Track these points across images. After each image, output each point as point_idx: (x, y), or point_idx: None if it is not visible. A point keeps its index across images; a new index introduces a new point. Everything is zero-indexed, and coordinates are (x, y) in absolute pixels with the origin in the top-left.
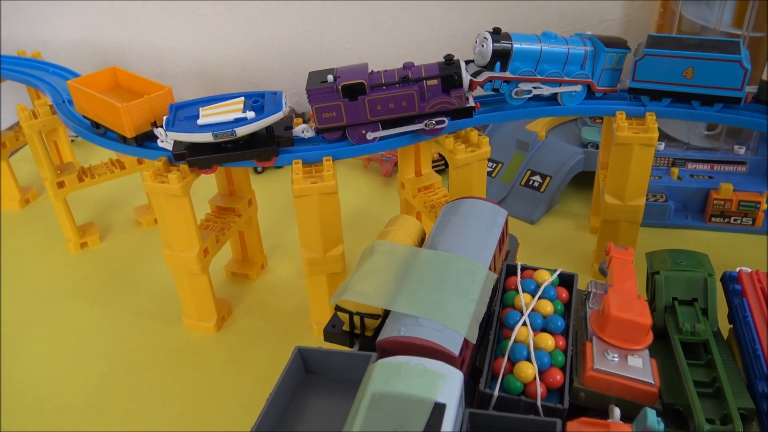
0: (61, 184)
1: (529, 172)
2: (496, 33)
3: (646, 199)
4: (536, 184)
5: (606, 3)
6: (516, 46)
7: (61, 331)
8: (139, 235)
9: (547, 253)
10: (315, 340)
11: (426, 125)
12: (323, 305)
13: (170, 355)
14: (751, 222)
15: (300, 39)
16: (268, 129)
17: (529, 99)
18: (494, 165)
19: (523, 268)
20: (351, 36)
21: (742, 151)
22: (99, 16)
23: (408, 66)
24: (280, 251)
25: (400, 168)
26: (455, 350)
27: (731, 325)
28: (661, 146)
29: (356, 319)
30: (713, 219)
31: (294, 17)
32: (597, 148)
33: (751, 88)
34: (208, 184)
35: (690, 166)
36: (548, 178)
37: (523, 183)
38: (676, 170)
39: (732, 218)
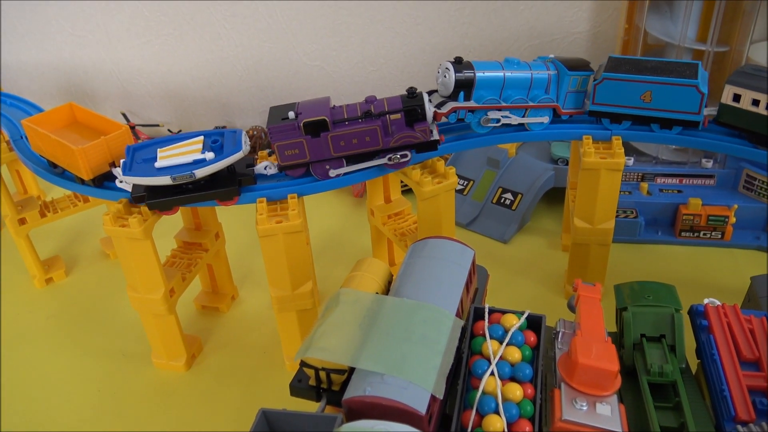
0: (22, 221)
1: (500, 190)
2: (458, 63)
3: (617, 216)
4: (508, 201)
5: (573, 17)
6: (479, 74)
7: (27, 374)
8: (106, 268)
9: (520, 273)
10: (287, 375)
11: (390, 159)
12: (295, 341)
13: (140, 398)
14: (720, 236)
15: (267, 57)
16: (229, 168)
17: (495, 126)
18: (465, 183)
19: (491, 311)
20: (318, 53)
21: (709, 164)
22: (60, 38)
23: (370, 100)
24: (250, 280)
25: (368, 195)
26: (422, 409)
27: (699, 360)
28: (630, 161)
29: (322, 374)
30: (683, 234)
31: (260, 36)
32: (567, 164)
33: (709, 111)
34: (173, 218)
35: (659, 180)
36: (519, 196)
37: (494, 201)
38: (645, 185)
39: (701, 232)
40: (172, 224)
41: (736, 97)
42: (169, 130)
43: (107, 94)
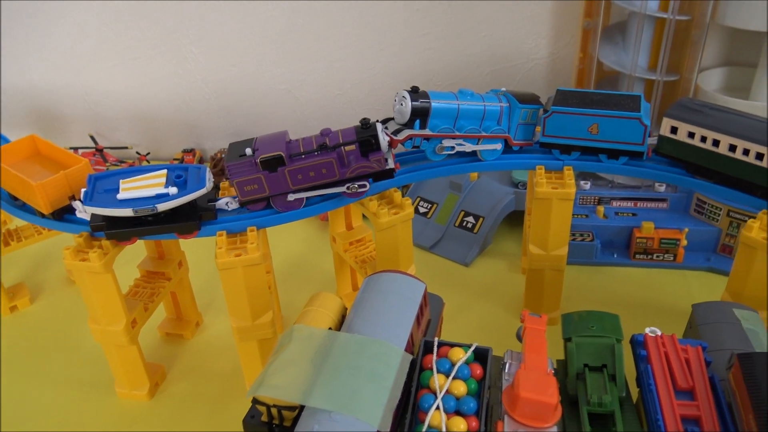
0: None
1: (462, 213)
2: (414, 92)
3: (574, 239)
4: (470, 224)
5: (532, 44)
6: (434, 104)
7: None
8: (71, 295)
9: (481, 296)
10: (249, 404)
11: (348, 188)
12: (256, 369)
13: (103, 428)
14: (672, 258)
15: (235, 80)
16: (191, 202)
17: (450, 155)
18: (429, 206)
19: (440, 345)
20: (286, 77)
21: (662, 188)
22: (27, 61)
23: (325, 133)
24: (215, 306)
25: (330, 222)
26: None
27: (639, 389)
28: (587, 185)
29: (274, 410)
30: (637, 256)
31: (227, 59)
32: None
33: (652, 140)
34: (137, 246)
35: (615, 203)
36: (481, 219)
37: (457, 224)
38: (601, 209)
39: (654, 255)
40: (135, 252)
41: (674, 130)
42: (137, 153)
43: (76, 117)
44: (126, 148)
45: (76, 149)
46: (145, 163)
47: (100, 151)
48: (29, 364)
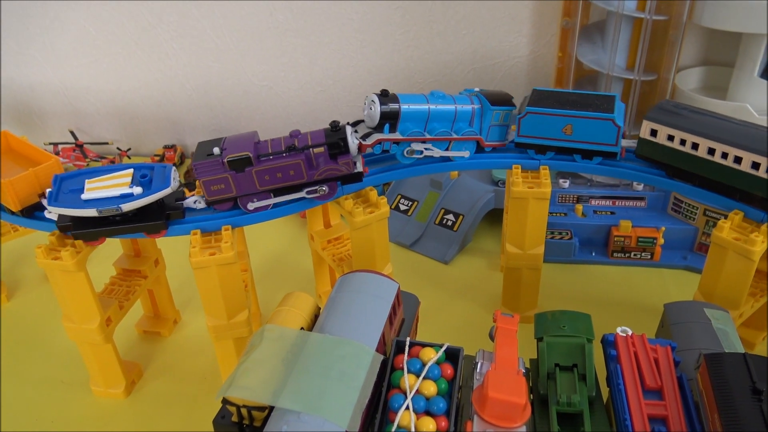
0: None
1: (442, 211)
2: (384, 95)
3: (553, 237)
4: (450, 222)
5: (513, 42)
6: (404, 107)
7: None
8: (48, 292)
9: (459, 295)
10: None
11: (317, 191)
12: (232, 368)
13: (78, 426)
14: (649, 256)
15: (216, 77)
16: (159, 201)
17: (419, 158)
18: (410, 204)
19: (412, 345)
20: (267, 74)
21: (640, 187)
22: (5, 57)
23: (294, 134)
24: (194, 304)
25: (308, 220)
26: None
27: (609, 388)
28: (566, 184)
29: (244, 411)
30: (615, 254)
31: (208, 56)
32: None
33: (627, 142)
34: (114, 244)
35: (594, 202)
36: (461, 217)
37: (437, 222)
38: (580, 207)
39: (632, 253)
40: (112, 250)
41: (653, 132)
42: (118, 149)
43: (55, 113)
44: (107, 143)
45: (55, 144)
46: (126, 159)
47: (80, 146)
48: (4, 362)
